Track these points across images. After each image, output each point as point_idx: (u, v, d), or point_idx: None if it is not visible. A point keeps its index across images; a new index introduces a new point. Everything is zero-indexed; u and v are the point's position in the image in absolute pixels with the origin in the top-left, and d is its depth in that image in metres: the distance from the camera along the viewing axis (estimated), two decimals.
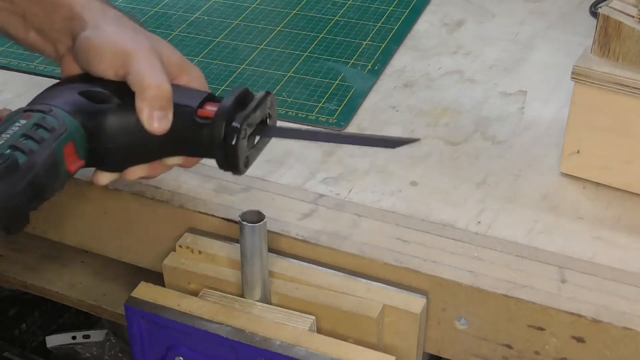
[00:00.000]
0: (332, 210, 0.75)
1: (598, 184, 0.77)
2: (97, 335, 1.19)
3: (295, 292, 0.71)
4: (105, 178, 0.68)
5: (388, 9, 1.08)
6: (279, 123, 0.82)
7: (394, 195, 0.77)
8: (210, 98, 0.67)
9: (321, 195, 0.77)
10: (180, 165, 0.69)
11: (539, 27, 1.04)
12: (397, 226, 0.73)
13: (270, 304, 0.71)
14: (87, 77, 0.67)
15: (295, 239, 0.72)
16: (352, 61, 0.97)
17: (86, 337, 1.17)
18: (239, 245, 0.69)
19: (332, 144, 0.83)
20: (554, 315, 0.65)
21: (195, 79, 0.69)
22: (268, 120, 0.68)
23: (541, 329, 0.66)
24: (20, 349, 1.24)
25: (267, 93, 0.67)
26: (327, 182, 0.79)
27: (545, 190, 0.77)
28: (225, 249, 0.74)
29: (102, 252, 0.84)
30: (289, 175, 0.80)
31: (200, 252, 0.74)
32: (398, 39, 1.01)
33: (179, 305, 0.70)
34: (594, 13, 1.04)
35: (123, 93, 0.65)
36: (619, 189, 0.76)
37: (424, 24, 1.05)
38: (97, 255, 0.86)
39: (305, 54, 0.98)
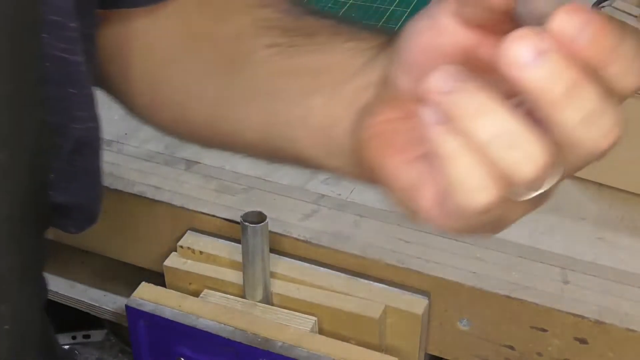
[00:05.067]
0: (333, 210, 0.75)
1: (600, 184, 0.77)
2: (97, 335, 1.19)
3: (297, 293, 0.70)
4: None
5: (389, 9, 1.07)
6: None
7: None
8: None
9: (323, 196, 0.77)
10: None
11: None
12: (399, 226, 0.73)
13: (272, 304, 0.71)
14: None
15: (297, 239, 0.72)
16: None
17: (86, 337, 1.17)
18: (240, 245, 0.68)
19: None
20: (557, 316, 0.65)
21: None
22: None
23: (544, 330, 0.66)
24: None
25: None
26: (329, 182, 0.78)
27: None
28: (226, 249, 0.73)
29: (102, 252, 0.84)
30: (290, 176, 0.79)
31: (201, 253, 0.74)
32: None
33: (180, 305, 0.70)
34: None
35: None
36: (621, 190, 0.76)
37: None
38: (97, 255, 0.85)
39: None
